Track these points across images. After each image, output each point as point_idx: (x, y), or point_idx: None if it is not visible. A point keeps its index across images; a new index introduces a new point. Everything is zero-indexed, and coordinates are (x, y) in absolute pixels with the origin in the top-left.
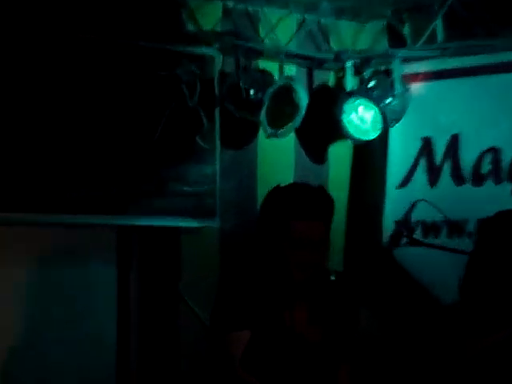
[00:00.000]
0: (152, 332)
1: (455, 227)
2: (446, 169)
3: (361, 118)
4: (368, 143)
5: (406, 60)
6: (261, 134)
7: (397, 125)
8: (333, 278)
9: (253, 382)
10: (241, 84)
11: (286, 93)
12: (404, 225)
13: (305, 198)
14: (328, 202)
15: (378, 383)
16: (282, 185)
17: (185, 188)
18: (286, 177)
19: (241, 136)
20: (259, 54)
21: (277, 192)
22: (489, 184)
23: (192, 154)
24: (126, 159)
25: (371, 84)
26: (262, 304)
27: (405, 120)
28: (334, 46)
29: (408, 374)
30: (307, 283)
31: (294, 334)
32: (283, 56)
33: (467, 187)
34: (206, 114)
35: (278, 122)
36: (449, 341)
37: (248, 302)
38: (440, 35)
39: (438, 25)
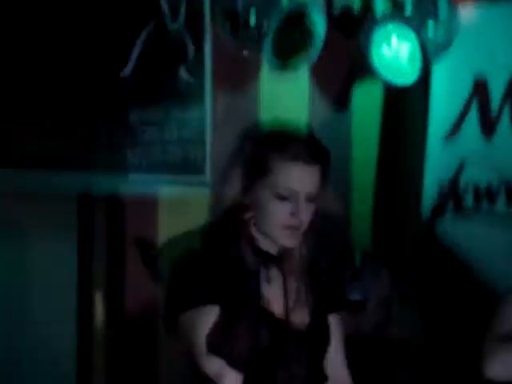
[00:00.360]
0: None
1: None
2: (505, 117)
3: (395, 51)
4: (404, 84)
5: None
6: (264, 70)
7: (442, 60)
8: (358, 260)
9: (220, 365)
10: (238, 7)
11: (297, 18)
12: (451, 189)
13: (296, 136)
14: (322, 144)
15: None
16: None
17: (165, 136)
18: (298, 124)
19: (238, 73)
20: None
21: (262, 128)
22: None
23: (173, 91)
24: (86, 101)
25: (408, 6)
26: (234, 276)
27: (452, 54)
28: None
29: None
30: (294, 252)
31: (273, 319)
32: None
33: None
34: (194, 40)
35: (287, 55)
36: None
37: (217, 273)
38: None
39: None
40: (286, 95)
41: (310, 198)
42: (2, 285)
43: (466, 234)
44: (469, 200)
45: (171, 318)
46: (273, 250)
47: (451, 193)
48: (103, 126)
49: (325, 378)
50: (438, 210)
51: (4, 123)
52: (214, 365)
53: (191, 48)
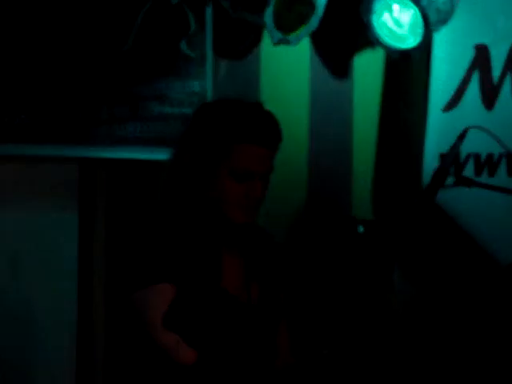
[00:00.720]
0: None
1: None
2: (507, 86)
3: (396, 19)
4: (405, 53)
5: None
6: (265, 40)
7: (443, 29)
8: (361, 229)
9: (176, 339)
10: None
11: None
12: (451, 159)
13: (256, 117)
14: (279, 126)
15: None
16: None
17: (166, 109)
18: (299, 95)
19: (238, 43)
20: None
21: (217, 107)
22: None
23: (174, 65)
24: (89, 74)
25: None
26: (191, 254)
27: (453, 23)
28: None
29: (452, 348)
30: (247, 229)
31: (228, 296)
32: None
33: None
34: (194, 14)
35: (288, 24)
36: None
37: (174, 251)
38: None
39: None
40: (288, 63)
41: (265, 178)
42: (4, 251)
43: (467, 204)
44: (469, 170)
45: (124, 294)
46: (228, 227)
47: (452, 161)
48: (104, 99)
49: (277, 353)
50: (439, 178)
51: (5, 97)
52: (169, 339)
53: (192, 21)
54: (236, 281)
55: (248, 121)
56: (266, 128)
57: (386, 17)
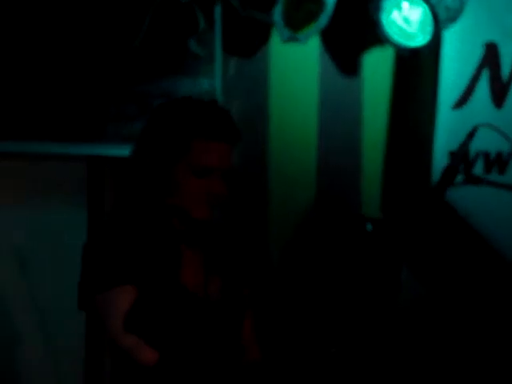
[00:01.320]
0: None
1: None
2: None
3: (405, 17)
4: (414, 51)
5: None
6: (274, 38)
7: (452, 27)
8: (369, 227)
9: (136, 341)
10: None
11: None
12: (461, 157)
13: (212, 113)
14: (234, 121)
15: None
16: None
17: None
18: (308, 93)
19: (247, 41)
20: None
21: (174, 105)
22: None
23: (183, 64)
24: (98, 71)
25: None
26: (150, 254)
27: (463, 20)
28: None
29: (460, 347)
30: (206, 225)
31: (188, 294)
32: None
33: None
34: (203, 12)
35: (297, 22)
36: None
37: (133, 251)
38: None
39: None
40: (297, 61)
41: (226, 174)
42: (13, 250)
43: (476, 202)
44: (479, 168)
45: (86, 297)
46: (188, 223)
47: (461, 159)
48: (112, 97)
49: (242, 349)
50: (448, 176)
51: (14, 94)
52: (129, 340)
53: (201, 20)
54: (196, 277)
55: (204, 117)
56: (222, 123)
57: (395, 15)
